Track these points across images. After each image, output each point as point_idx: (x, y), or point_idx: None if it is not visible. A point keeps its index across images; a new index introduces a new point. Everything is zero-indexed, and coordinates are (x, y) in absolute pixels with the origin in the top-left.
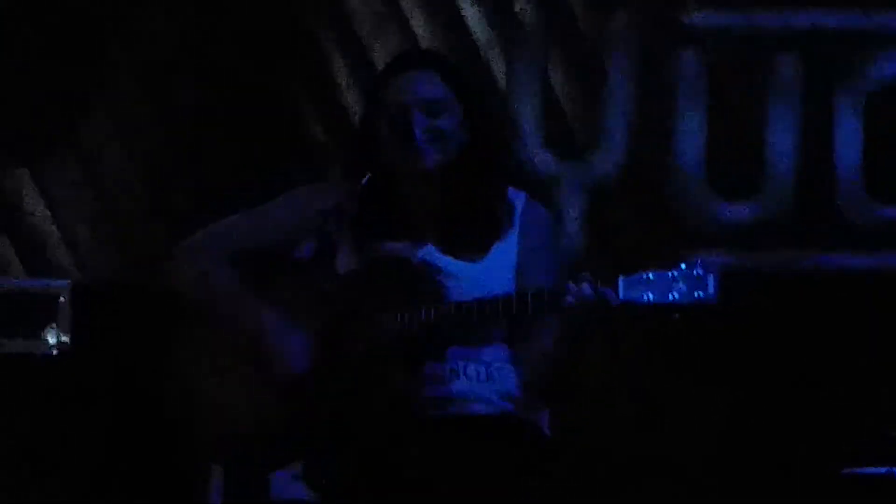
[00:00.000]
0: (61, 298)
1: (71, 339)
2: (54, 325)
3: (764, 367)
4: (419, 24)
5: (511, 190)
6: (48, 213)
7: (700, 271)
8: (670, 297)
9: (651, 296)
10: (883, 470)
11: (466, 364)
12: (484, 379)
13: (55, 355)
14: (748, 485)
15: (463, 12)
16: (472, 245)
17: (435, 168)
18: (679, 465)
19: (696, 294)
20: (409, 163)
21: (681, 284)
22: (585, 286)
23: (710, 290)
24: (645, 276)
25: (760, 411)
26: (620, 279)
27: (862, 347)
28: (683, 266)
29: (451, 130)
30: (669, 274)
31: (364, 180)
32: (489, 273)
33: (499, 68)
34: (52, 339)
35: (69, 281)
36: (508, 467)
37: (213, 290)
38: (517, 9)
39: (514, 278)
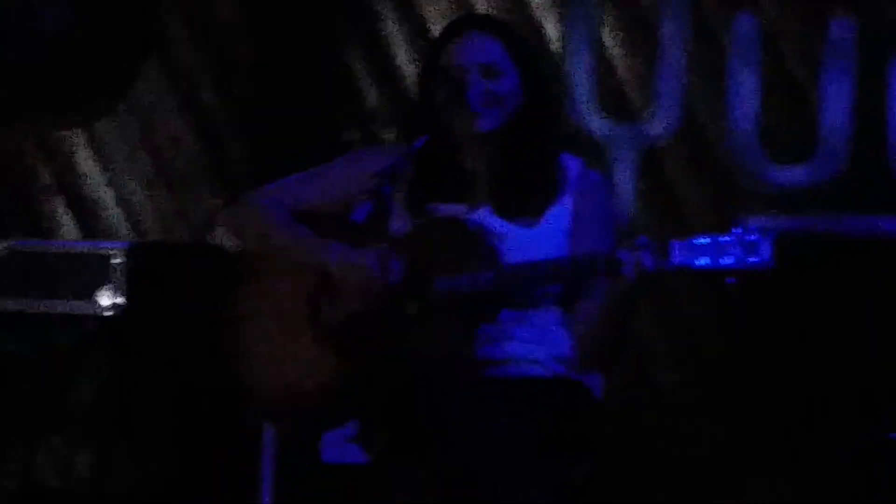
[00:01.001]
0: (116, 260)
1: (125, 300)
2: (109, 286)
3: (817, 331)
4: None
5: (566, 156)
6: (104, 174)
7: (755, 236)
8: (724, 261)
9: (705, 260)
10: None
11: (520, 326)
12: (537, 341)
13: (110, 316)
14: (802, 446)
15: None
16: (527, 209)
17: (490, 132)
18: (732, 431)
19: (750, 259)
20: (465, 126)
21: (735, 249)
22: (640, 251)
23: (766, 254)
24: (698, 241)
25: (813, 375)
26: (674, 243)
27: None
28: (738, 230)
29: (508, 95)
30: (723, 238)
31: (419, 143)
32: (543, 237)
33: (553, 32)
34: (106, 301)
35: (124, 242)
36: (561, 429)
37: (276, 234)
38: None
39: (569, 243)
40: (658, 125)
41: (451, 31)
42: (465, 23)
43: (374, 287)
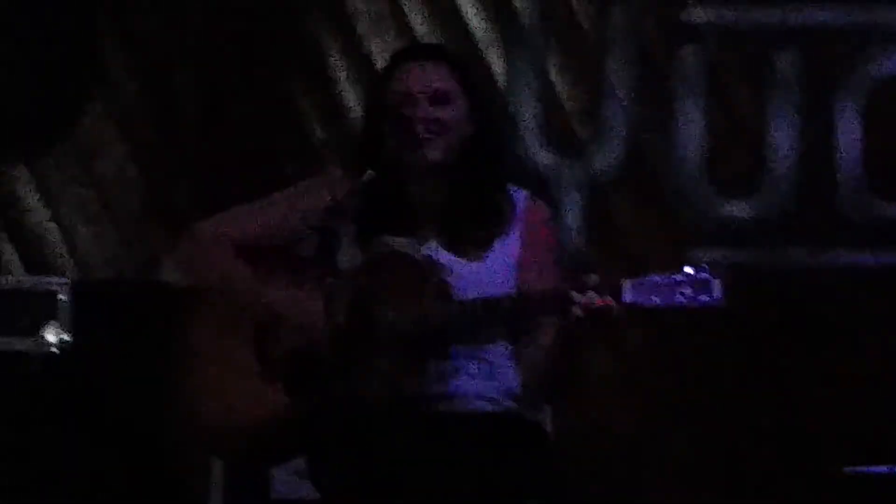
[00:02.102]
0: (61, 296)
1: (71, 336)
2: (54, 322)
3: (765, 365)
4: (418, 21)
5: (512, 187)
6: (47, 210)
7: (705, 275)
8: (676, 300)
9: (656, 299)
10: (885, 469)
11: (469, 362)
12: (486, 377)
13: (55, 353)
14: (752, 485)
15: (461, 9)
16: (475, 241)
17: (437, 161)
18: (681, 466)
19: (701, 297)
20: (411, 155)
21: (686, 288)
22: (590, 290)
23: (716, 293)
24: (650, 280)
25: (762, 410)
26: (626, 282)
27: (863, 344)
28: (689, 269)
29: (455, 123)
30: (675, 277)
31: (365, 176)
32: (491, 270)
33: (498, 65)
34: (52, 338)
35: (69, 278)
36: (510, 465)
37: (221, 270)
38: (515, 4)
39: (517, 276)
40: (604, 158)
41: (399, 59)
42: (414, 51)
43: (318, 323)
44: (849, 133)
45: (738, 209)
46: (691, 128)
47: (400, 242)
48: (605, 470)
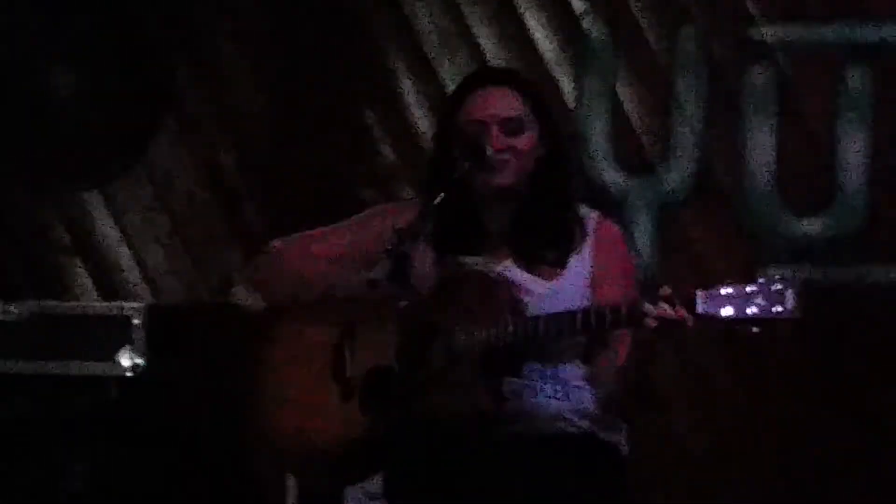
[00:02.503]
0: (135, 321)
1: (145, 361)
2: (129, 347)
3: (840, 382)
4: (487, 43)
5: (584, 207)
6: (120, 235)
7: (779, 286)
8: (749, 311)
9: (730, 310)
10: None
11: (544, 382)
12: (561, 397)
13: (130, 377)
14: (830, 500)
15: (531, 30)
16: (548, 261)
17: (510, 185)
18: (758, 486)
19: (774, 309)
20: (483, 181)
21: (759, 299)
22: (664, 301)
23: (790, 304)
24: (723, 291)
25: (838, 428)
26: (698, 293)
27: None
28: (762, 280)
29: (527, 150)
30: (748, 288)
31: (438, 198)
32: (565, 289)
33: (568, 86)
34: (126, 362)
35: (143, 303)
36: (586, 487)
37: (301, 281)
38: (584, 25)
39: (590, 294)
40: (675, 178)
41: (470, 84)
42: (485, 76)
43: (397, 342)
44: None
45: (810, 226)
46: (762, 145)
47: (474, 262)
48: (681, 491)
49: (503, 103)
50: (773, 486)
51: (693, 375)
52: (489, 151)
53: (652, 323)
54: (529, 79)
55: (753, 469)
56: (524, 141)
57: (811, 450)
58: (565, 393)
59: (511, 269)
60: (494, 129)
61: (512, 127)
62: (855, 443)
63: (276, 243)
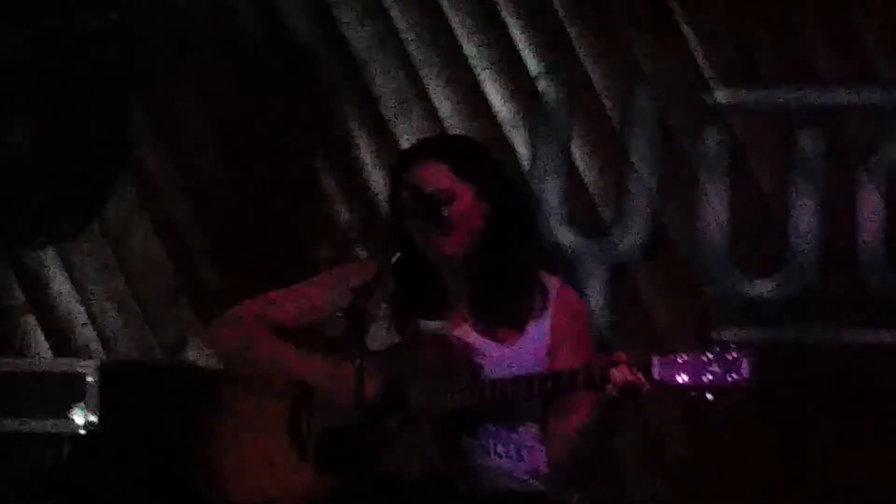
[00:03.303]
0: (89, 378)
1: (98, 418)
2: (82, 404)
3: (796, 444)
4: (444, 104)
5: (544, 274)
6: (75, 293)
7: (734, 354)
8: (704, 378)
9: (685, 377)
10: None
11: (498, 442)
12: (515, 457)
13: (83, 435)
14: None
15: (486, 91)
16: (506, 325)
17: (456, 254)
18: None
19: (730, 377)
20: (432, 250)
21: (715, 367)
22: (621, 366)
23: (745, 373)
24: (679, 358)
25: (794, 490)
26: (654, 359)
27: (893, 422)
28: (717, 348)
29: (463, 217)
30: (703, 356)
31: (394, 258)
32: (523, 354)
33: (522, 149)
34: (79, 419)
35: (97, 360)
36: None
37: (257, 346)
38: (540, 87)
39: (547, 359)
40: (628, 239)
41: (403, 163)
42: (412, 153)
43: (353, 401)
44: (870, 212)
45: (762, 288)
46: (715, 207)
47: (433, 324)
48: None
49: (430, 177)
50: None
51: (647, 440)
52: (429, 224)
53: (609, 387)
54: (459, 141)
55: None
56: (458, 209)
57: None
58: (518, 454)
59: (469, 333)
60: (428, 203)
61: (443, 198)
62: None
63: (234, 310)
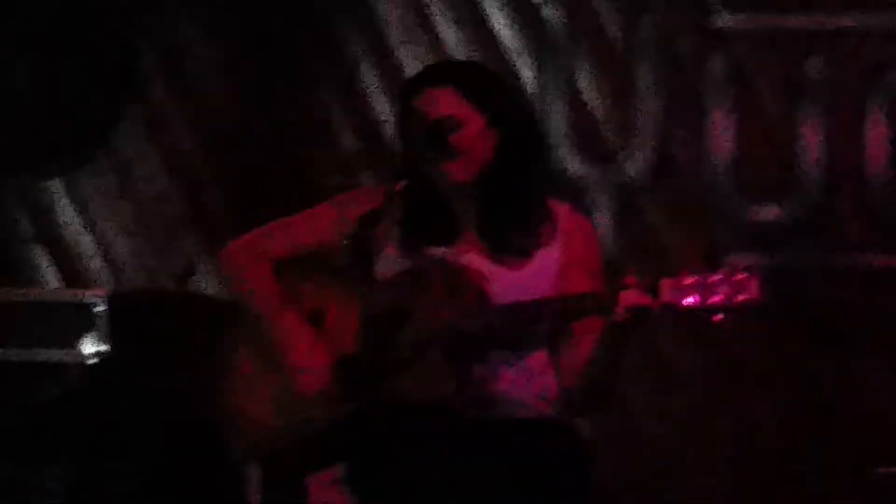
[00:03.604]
0: (98, 308)
1: (108, 348)
2: (91, 334)
3: (801, 369)
4: (448, 32)
5: (554, 200)
6: (83, 223)
7: (743, 274)
8: (713, 299)
9: (694, 299)
10: None
11: (507, 368)
12: (525, 383)
13: (92, 364)
14: (788, 489)
15: (491, 19)
16: (514, 252)
17: (463, 181)
18: (721, 469)
19: (738, 297)
20: (441, 177)
21: (723, 287)
22: (629, 290)
23: (754, 291)
24: (687, 280)
25: (799, 415)
26: (663, 282)
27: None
28: (726, 269)
29: (472, 142)
30: (712, 277)
31: (400, 185)
32: (531, 279)
33: (528, 75)
34: (88, 349)
35: (105, 290)
36: (548, 471)
37: (253, 291)
38: (544, 14)
39: (556, 285)
40: (634, 166)
41: (409, 89)
42: (421, 79)
43: (363, 329)
44: (877, 136)
45: (768, 213)
46: (721, 133)
47: (440, 251)
48: (643, 476)
49: (437, 103)
50: (734, 474)
51: (655, 364)
52: (437, 150)
53: (619, 311)
54: (471, 67)
55: (715, 457)
56: (466, 135)
57: (772, 436)
58: (528, 380)
59: (477, 259)
60: (435, 129)
61: (451, 124)
62: (813, 430)
63: (235, 243)
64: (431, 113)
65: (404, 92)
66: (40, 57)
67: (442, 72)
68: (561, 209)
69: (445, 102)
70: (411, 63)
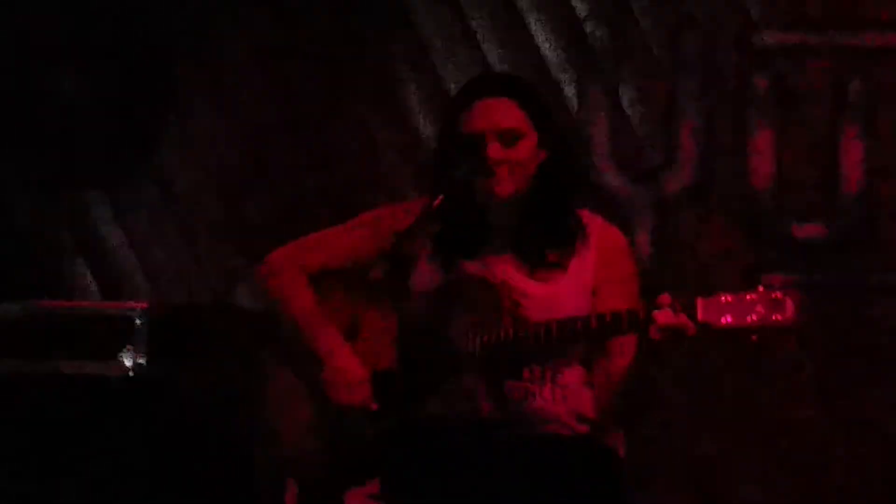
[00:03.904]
0: (137, 321)
1: (147, 361)
2: (130, 347)
3: (840, 388)
4: (491, 47)
5: (587, 213)
6: (124, 236)
7: (779, 294)
8: (748, 319)
9: (729, 318)
10: None
11: (543, 385)
12: (560, 400)
13: (131, 377)
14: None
15: (534, 34)
16: (548, 266)
17: (510, 194)
18: (758, 483)
19: (774, 317)
20: (485, 190)
21: (759, 307)
22: (665, 309)
23: (790, 312)
24: (723, 299)
25: (838, 433)
26: (698, 301)
27: None
28: (762, 288)
29: (525, 160)
30: (748, 296)
31: (437, 200)
32: (566, 294)
33: (570, 90)
34: (128, 362)
35: (145, 303)
36: (583, 490)
37: (291, 303)
38: (588, 30)
39: (591, 300)
40: (675, 182)
41: (466, 96)
42: (484, 87)
43: (398, 345)
44: None
45: (810, 232)
46: (763, 151)
47: (476, 266)
48: (681, 494)
49: (500, 115)
50: (773, 488)
51: (692, 382)
52: (489, 162)
53: (654, 330)
54: (528, 84)
55: (755, 471)
56: (522, 150)
57: (811, 452)
58: (564, 397)
59: (512, 273)
60: (492, 140)
61: (509, 137)
62: (853, 447)
63: (274, 255)
64: (492, 123)
65: (457, 101)
66: (82, 69)
67: (501, 84)
68: (593, 221)
69: (508, 114)
70: (455, 79)
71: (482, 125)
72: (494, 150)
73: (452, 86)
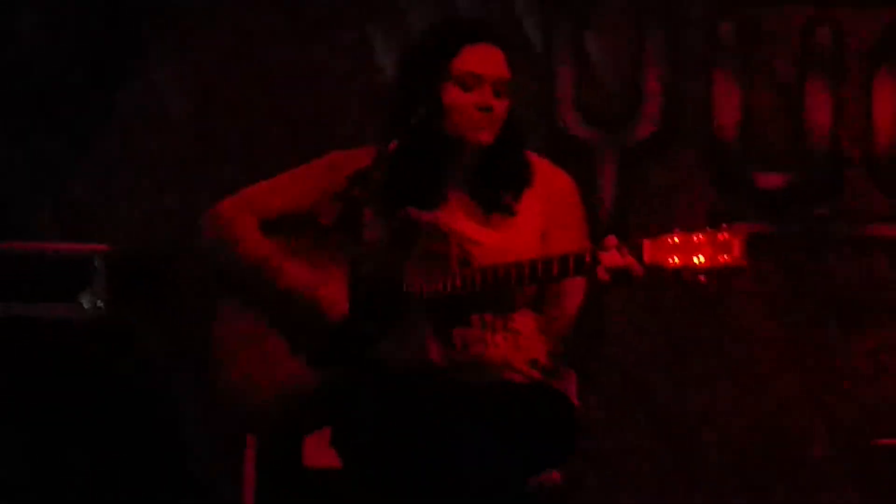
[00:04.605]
0: (97, 263)
1: (106, 304)
2: (90, 289)
3: (809, 333)
4: None
5: (534, 156)
6: (87, 178)
7: (725, 235)
8: (695, 260)
9: (676, 259)
10: None
11: (494, 332)
12: (513, 346)
13: (90, 320)
14: (786, 456)
15: None
16: (499, 211)
17: (488, 143)
18: (708, 432)
19: (721, 258)
20: (467, 134)
21: (706, 248)
22: (612, 251)
23: (736, 253)
24: (670, 240)
25: (806, 378)
26: (645, 242)
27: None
28: (709, 230)
29: (505, 113)
30: (694, 237)
31: (392, 145)
32: (515, 239)
33: (535, 35)
34: (87, 304)
35: (105, 246)
36: (536, 436)
37: (244, 245)
38: None
39: (541, 244)
40: (641, 130)
41: (466, 35)
42: (484, 32)
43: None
44: (886, 105)
45: (774, 181)
46: (728, 99)
47: (423, 213)
48: (633, 437)
49: (500, 65)
50: (727, 428)
51: (645, 320)
52: (480, 108)
53: (601, 272)
54: (504, 34)
55: (715, 414)
56: (505, 105)
57: (772, 396)
58: (517, 343)
59: (461, 221)
60: (487, 87)
61: (501, 89)
62: (809, 396)
63: (223, 204)
64: (494, 70)
65: (459, 35)
66: (41, 15)
67: (493, 32)
68: (540, 163)
69: (504, 66)
70: (420, 25)
71: (483, 69)
72: (486, 97)
73: (417, 27)
